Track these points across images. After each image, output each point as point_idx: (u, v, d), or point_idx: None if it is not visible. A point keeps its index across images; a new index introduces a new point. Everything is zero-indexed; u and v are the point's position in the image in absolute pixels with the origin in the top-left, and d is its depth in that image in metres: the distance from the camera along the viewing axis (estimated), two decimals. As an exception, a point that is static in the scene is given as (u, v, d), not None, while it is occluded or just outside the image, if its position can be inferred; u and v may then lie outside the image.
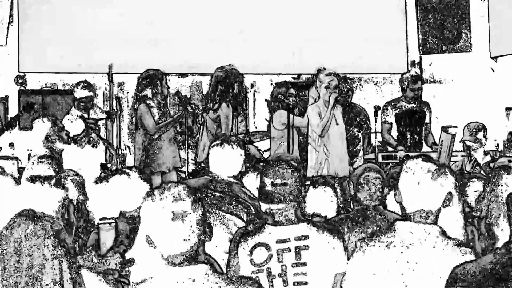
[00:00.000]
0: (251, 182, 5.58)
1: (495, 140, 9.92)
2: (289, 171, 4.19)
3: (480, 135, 8.39)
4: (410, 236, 3.72)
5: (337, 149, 8.36)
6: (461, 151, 8.40)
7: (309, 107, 8.53)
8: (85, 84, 9.10)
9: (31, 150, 8.47)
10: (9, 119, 9.96)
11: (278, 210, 4.17)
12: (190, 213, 3.34)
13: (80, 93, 9.06)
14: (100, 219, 3.84)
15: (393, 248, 3.71)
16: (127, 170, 4.73)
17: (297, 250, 4.10)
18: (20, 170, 7.99)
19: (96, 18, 10.33)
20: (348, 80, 9.54)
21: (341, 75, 8.79)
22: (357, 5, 10.81)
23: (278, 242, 4.12)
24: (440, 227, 3.75)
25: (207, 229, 3.39)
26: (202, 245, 3.53)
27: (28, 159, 8.57)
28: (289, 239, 4.12)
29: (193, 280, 3.31)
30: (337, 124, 8.39)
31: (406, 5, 10.96)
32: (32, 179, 3.82)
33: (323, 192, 5.62)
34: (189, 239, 3.34)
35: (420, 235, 3.71)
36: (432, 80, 11.04)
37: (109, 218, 3.71)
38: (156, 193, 3.39)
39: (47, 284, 3.24)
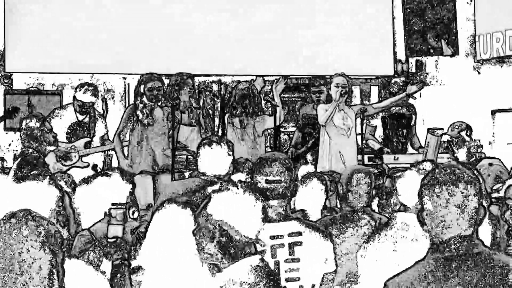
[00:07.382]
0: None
1: (479, 141, 9.97)
2: (282, 168, 4.22)
3: (462, 133, 8.44)
4: None
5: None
6: (447, 152, 8.43)
7: (319, 105, 8.72)
8: (91, 88, 8.60)
9: (17, 150, 8.43)
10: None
11: (272, 207, 4.19)
12: None
13: (82, 96, 8.56)
14: (112, 204, 3.99)
15: None
16: (108, 172, 4.70)
17: (290, 246, 4.12)
18: (6, 170, 7.95)
19: (85, 17, 10.28)
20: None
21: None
22: (344, 7, 10.82)
23: (272, 238, 4.13)
24: None
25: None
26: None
27: (14, 159, 8.54)
28: (282, 235, 4.14)
29: None
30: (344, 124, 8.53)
31: (393, 8, 10.97)
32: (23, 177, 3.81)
33: (311, 190, 5.67)
34: None
35: None
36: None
37: (120, 204, 3.87)
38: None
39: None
